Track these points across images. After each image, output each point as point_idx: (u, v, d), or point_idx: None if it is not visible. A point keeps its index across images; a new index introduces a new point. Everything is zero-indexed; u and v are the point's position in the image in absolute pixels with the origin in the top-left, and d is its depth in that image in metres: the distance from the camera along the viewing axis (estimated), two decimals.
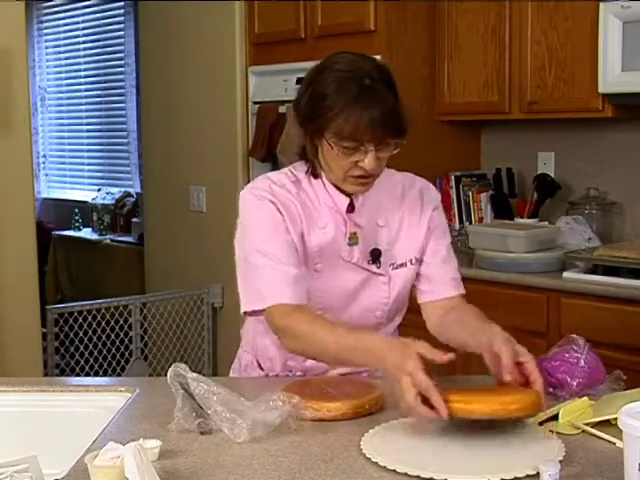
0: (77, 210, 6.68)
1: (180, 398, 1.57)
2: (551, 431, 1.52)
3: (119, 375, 4.22)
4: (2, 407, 1.85)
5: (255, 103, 4.20)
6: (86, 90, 6.99)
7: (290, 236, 1.80)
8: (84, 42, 6.91)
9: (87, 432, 1.62)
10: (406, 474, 1.35)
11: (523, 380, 1.59)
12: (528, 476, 1.32)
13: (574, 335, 1.79)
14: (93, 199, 6.68)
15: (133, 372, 4.25)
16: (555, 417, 1.58)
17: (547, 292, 3.13)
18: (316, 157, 1.83)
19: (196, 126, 4.53)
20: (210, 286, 4.45)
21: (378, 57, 3.54)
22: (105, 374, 4.25)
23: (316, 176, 1.86)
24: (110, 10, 6.60)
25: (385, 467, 1.38)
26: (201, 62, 4.47)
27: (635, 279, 2.94)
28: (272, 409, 1.53)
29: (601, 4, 3.15)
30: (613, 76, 3.15)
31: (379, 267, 1.88)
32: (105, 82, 6.77)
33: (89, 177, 7.08)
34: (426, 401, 1.48)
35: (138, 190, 6.17)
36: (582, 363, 1.72)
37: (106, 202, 6.51)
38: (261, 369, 2.00)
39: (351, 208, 1.86)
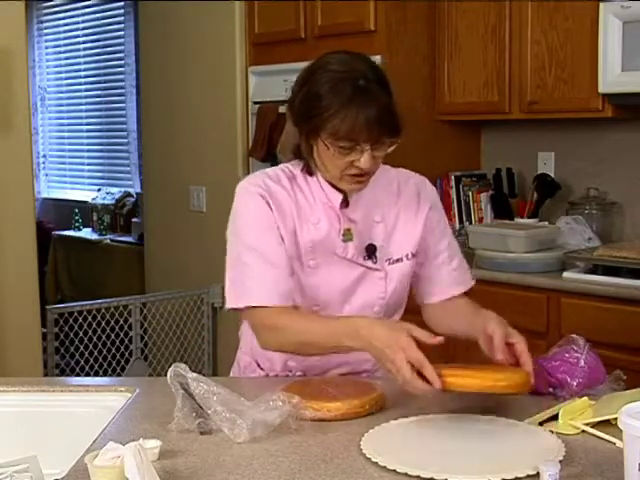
0: (77, 210, 6.68)
1: (180, 398, 1.57)
2: (551, 431, 1.52)
3: (119, 375, 4.22)
4: (2, 407, 1.85)
5: (255, 103, 4.20)
6: (86, 90, 6.99)
7: (280, 233, 1.82)
8: (84, 42, 6.91)
9: (87, 432, 1.62)
10: (406, 474, 1.35)
11: (514, 361, 1.66)
12: (528, 476, 1.33)
13: (574, 335, 1.79)
14: (93, 199, 6.68)
15: (133, 372, 4.25)
16: (555, 417, 1.58)
17: (547, 292, 3.13)
18: (311, 156, 1.83)
19: (196, 126, 4.53)
20: (210, 286, 4.45)
21: (378, 57, 3.60)
22: (105, 374, 4.25)
23: (311, 174, 1.87)
24: (110, 10, 6.60)
25: (385, 467, 1.38)
26: (201, 62, 4.47)
27: (635, 279, 2.94)
28: (272, 409, 1.53)
29: (601, 4, 3.15)
30: (613, 76, 3.15)
31: (375, 262, 1.88)
32: (105, 82, 6.77)
33: (89, 177, 7.08)
34: (420, 375, 1.53)
35: (138, 190, 6.17)
36: (582, 363, 1.72)
37: (106, 202, 6.51)
38: (261, 369, 2.00)
39: (345, 204, 1.87)
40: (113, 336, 4.27)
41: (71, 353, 4.24)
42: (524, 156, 3.88)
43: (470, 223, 3.82)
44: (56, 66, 7.32)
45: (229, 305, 1.83)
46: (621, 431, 1.22)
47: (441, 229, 1.99)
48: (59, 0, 7.11)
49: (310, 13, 3.92)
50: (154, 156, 4.88)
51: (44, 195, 7.48)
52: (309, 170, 1.87)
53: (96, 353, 4.24)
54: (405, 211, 1.93)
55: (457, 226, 3.84)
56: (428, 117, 3.82)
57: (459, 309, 1.95)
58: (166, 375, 1.59)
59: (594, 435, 1.52)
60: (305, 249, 1.84)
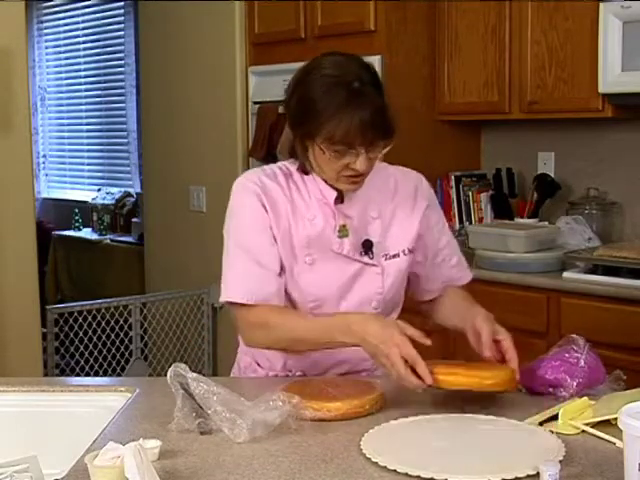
0: (77, 210, 6.68)
1: (180, 398, 1.57)
2: (551, 431, 1.52)
3: (119, 375, 4.22)
4: (2, 407, 1.85)
5: (255, 103, 4.20)
6: (86, 90, 6.99)
7: (272, 234, 1.83)
8: (84, 42, 6.91)
9: (87, 432, 1.62)
10: (406, 474, 1.35)
11: (500, 357, 1.74)
12: (528, 476, 1.33)
13: (574, 335, 1.79)
14: (93, 199, 6.68)
15: (133, 372, 4.25)
16: (555, 417, 1.58)
17: (547, 292, 3.13)
18: (306, 158, 1.85)
19: (196, 126, 4.53)
20: (210, 286, 4.44)
21: (378, 57, 3.61)
22: (105, 374, 4.25)
23: (307, 173, 1.88)
24: (110, 10, 6.60)
25: (385, 467, 1.38)
26: (201, 62, 4.47)
27: (635, 279, 2.94)
28: (272, 409, 1.53)
29: (601, 4, 3.15)
30: (613, 76, 3.15)
31: (371, 258, 1.89)
32: (105, 82, 6.77)
33: (89, 177, 7.08)
34: (413, 371, 1.61)
35: (138, 190, 6.17)
36: (582, 363, 1.72)
37: (106, 202, 6.51)
38: (261, 369, 2.00)
39: (340, 200, 1.88)
40: (113, 336, 4.27)
41: (71, 353, 4.24)
42: (524, 156, 3.88)
43: (470, 223, 3.82)
44: (56, 66, 7.32)
45: (222, 298, 1.86)
46: (621, 431, 1.22)
47: (439, 228, 2.02)
48: (59, 0, 7.11)
49: (310, 13, 3.92)
50: (154, 156, 4.88)
51: (44, 195, 7.48)
52: (305, 170, 1.88)
53: (96, 353, 4.24)
54: (402, 207, 1.94)
55: (457, 226, 3.84)
56: (428, 117, 3.82)
57: (453, 303, 2.00)
58: (166, 375, 1.59)
59: (594, 435, 1.52)
60: (300, 245, 1.85)
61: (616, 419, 1.26)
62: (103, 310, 4.32)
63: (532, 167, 3.82)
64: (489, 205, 3.85)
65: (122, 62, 6.52)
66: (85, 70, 6.95)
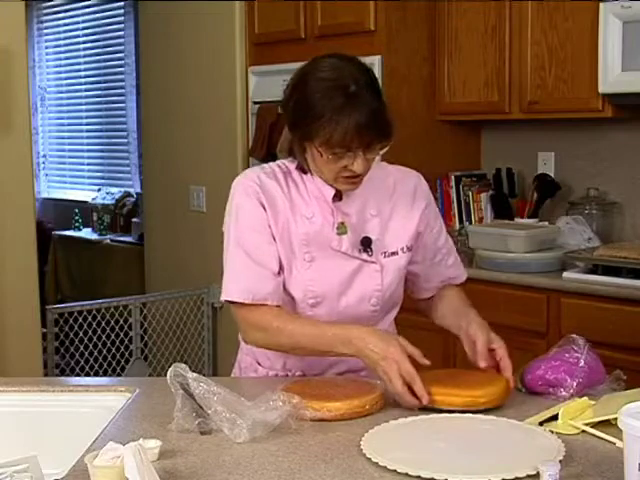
0: (77, 210, 6.68)
1: (180, 398, 1.57)
2: (551, 431, 1.52)
3: (119, 375, 4.22)
4: (2, 407, 1.85)
5: (255, 103, 4.20)
6: (86, 90, 6.99)
7: (271, 232, 1.85)
8: (84, 42, 6.91)
9: (87, 432, 1.62)
10: (407, 474, 1.35)
11: (495, 364, 1.77)
12: (528, 476, 1.33)
13: (574, 335, 1.79)
14: (93, 199, 6.68)
15: (133, 372, 4.25)
16: (555, 417, 1.58)
17: (547, 292, 3.13)
18: (304, 159, 1.86)
19: (196, 126, 4.53)
20: (210, 286, 4.45)
21: (378, 57, 3.61)
22: (105, 374, 4.25)
23: (305, 172, 1.89)
24: (110, 10, 6.60)
25: (385, 467, 1.38)
26: (201, 62, 4.47)
27: (635, 279, 2.94)
28: (272, 409, 1.53)
29: (601, 4, 3.15)
30: (613, 76, 3.15)
31: (371, 255, 1.90)
32: (105, 82, 6.77)
33: (89, 177, 7.08)
34: (409, 388, 1.64)
35: (138, 190, 6.17)
36: (582, 363, 1.72)
37: (106, 202, 6.51)
38: (262, 367, 2.00)
39: (338, 198, 1.89)
40: (113, 336, 4.27)
41: (71, 353, 4.24)
42: (524, 156, 3.88)
43: (470, 223, 3.82)
44: (56, 66, 7.32)
45: (223, 297, 1.87)
46: (621, 431, 1.23)
47: (438, 228, 2.04)
48: (59, 0, 7.11)
49: (310, 13, 3.92)
50: (154, 156, 4.88)
51: (44, 195, 7.48)
52: (303, 169, 1.90)
53: (96, 353, 4.24)
54: (401, 205, 1.96)
55: (457, 226, 3.84)
56: (428, 117, 3.82)
57: (450, 303, 2.02)
58: (166, 375, 1.59)
59: (594, 435, 1.52)
60: (299, 242, 1.86)
61: (616, 419, 1.26)
62: (103, 310, 4.32)
63: (532, 167, 3.82)
64: (489, 205, 3.85)
65: (122, 62, 6.52)
66: (85, 70, 6.95)
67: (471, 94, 3.68)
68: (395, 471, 1.36)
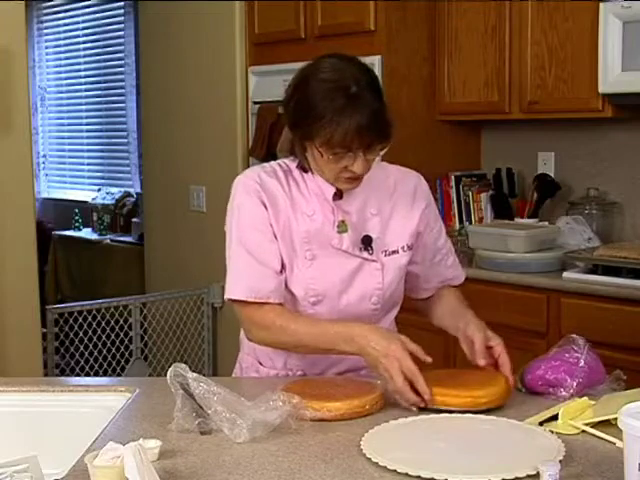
0: (77, 210, 6.68)
1: (180, 398, 1.57)
2: (551, 431, 1.52)
3: (119, 375, 4.22)
4: (2, 407, 1.85)
5: (255, 103, 4.20)
6: (86, 90, 6.99)
7: (272, 231, 1.85)
8: (84, 42, 6.91)
9: (87, 432, 1.62)
10: (407, 474, 1.35)
11: (493, 362, 1.78)
12: (528, 476, 1.33)
13: (574, 335, 1.79)
14: (93, 199, 6.68)
15: (133, 372, 4.25)
16: (555, 417, 1.58)
17: (547, 292, 3.13)
18: (305, 158, 1.87)
19: (196, 126, 4.53)
20: (210, 286, 4.45)
21: (378, 57, 3.61)
22: (105, 374, 4.25)
23: (306, 171, 1.90)
24: (110, 10, 6.60)
25: (385, 467, 1.38)
26: (201, 62, 4.47)
27: (635, 279, 2.94)
28: (272, 409, 1.53)
29: (601, 4, 3.15)
30: (613, 76, 3.15)
31: (371, 254, 1.91)
32: (105, 82, 6.77)
33: (89, 177, 7.08)
34: (411, 385, 1.64)
35: (138, 190, 6.17)
36: (582, 363, 1.72)
37: (106, 202, 6.51)
38: (263, 367, 2.01)
39: (339, 196, 1.89)
40: (113, 336, 4.27)
41: (71, 353, 4.24)
42: (524, 156, 3.87)
43: (470, 223, 3.82)
44: (56, 66, 7.32)
45: (226, 295, 1.89)
46: (621, 431, 1.23)
47: (438, 228, 2.05)
48: (59, 0, 7.11)
49: (310, 13, 3.92)
50: (154, 156, 4.88)
51: (44, 195, 7.48)
52: (304, 168, 1.90)
53: (96, 353, 4.24)
54: (401, 204, 1.96)
55: (457, 226, 3.84)
56: (428, 117, 3.82)
57: (446, 304, 2.03)
58: (166, 375, 1.59)
59: (594, 435, 1.52)
60: (300, 240, 1.87)
61: (616, 419, 1.26)
62: (103, 310, 4.32)
63: (532, 167, 3.82)
64: (489, 205, 3.85)
65: (122, 62, 6.52)
66: (85, 70, 6.95)
67: (471, 94, 3.68)
68: (395, 471, 1.36)
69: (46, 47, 7.37)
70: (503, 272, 3.26)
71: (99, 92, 6.85)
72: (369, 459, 1.41)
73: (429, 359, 1.69)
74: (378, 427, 1.56)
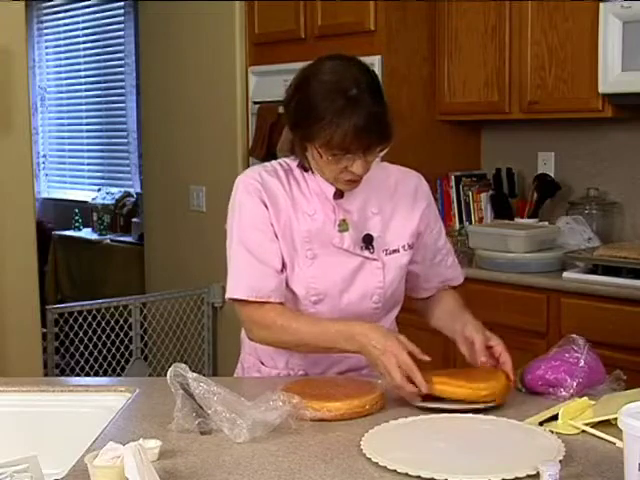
0: (77, 210, 6.68)
1: (180, 398, 1.57)
2: (551, 431, 1.52)
3: (119, 375, 4.22)
4: (2, 407, 1.85)
5: (255, 103, 4.20)
6: (86, 90, 6.99)
7: (274, 230, 1.86)
8: (84, 42, 6.91)
9: (87, 432, 1.62)
10: (407, 474, 1.35)
11: (494, 361, 1.79)
12: (528, 476, 1.33)
13: (574, 335, 1.79)
14: (93, 199, 6.68)
15: (133, 372, 4.25)
16: (555, 417, 1.58)
17: (547, 292, 3.13)
18: (305, 158, 1.88)
19: (196, 126, 4.53)
20: (210, 286, 4.45)
21: (378, 57, 3.61)
22: (105, 374, 4.24)
23: (306, 170, 1.91)
24: (110, 10, 6.60)
25: (385, 467, 1.38)
26: (201, 62, 4.47)
27: (635, 279, 2.94)
28: (272, 409, 1.53)
29: (601, 4, 3.15)
30: (613, 76, 3.15)
31: (372, 252, 1.91)
32: (105, 82, 6.77)
33: (89, 177, 7.08)
34: (409, 379, 1.66)
35: (138, 190, 6.17)
36: (582, 363, 1.73)
37: (106, 202, 6.51)
38: (265, 367, 2.01)
39: (340, 195, 1.90)
40: (113, 336, 4.27)
41: (71, 353, 4.24)
42: (524, 156, 3.88)
43: (470, 223, 3.82)
44: (56, 66, 7.32)
45: (227, 295, 1.89)
46: (621, 431, 1.23)
47: (438, 228, 2.06)
48: (59, 0, 7.11)
49: (310, 13, 3.92)
50: (154, 156, 4.88)
51: (44, 195, 7.48)
52: (304, 167, 1.91)
53: (96, 353, 4.24)
54: (402, 204, 1.97)
55: (457, 226, 3.84)
56: (428, 117, 3.82)
57: (444, 305, 2.05)
58: (166, 375, 1.59)
59: (594, 435, 1.52)
60: (301, 239, 1.87)
61: (616, 419, 1.26)
62: (103, 310, 4.32)
63: (532, 167, 3.82)
64: (489, 205, 3.85)
65: (122, 62, 6.52)
66: (85, 70, 6.95)
67: (471, 94, 3.68)
68: (395, 471, 1.36)
69: (46, 47, 7.37)
70: (503, 272, 3.26)
71: (99, 92, 6.85)
72: (369, 459, 1.41)
73: (427, 358, 1.70)
74: (378, 427, 1.56)
